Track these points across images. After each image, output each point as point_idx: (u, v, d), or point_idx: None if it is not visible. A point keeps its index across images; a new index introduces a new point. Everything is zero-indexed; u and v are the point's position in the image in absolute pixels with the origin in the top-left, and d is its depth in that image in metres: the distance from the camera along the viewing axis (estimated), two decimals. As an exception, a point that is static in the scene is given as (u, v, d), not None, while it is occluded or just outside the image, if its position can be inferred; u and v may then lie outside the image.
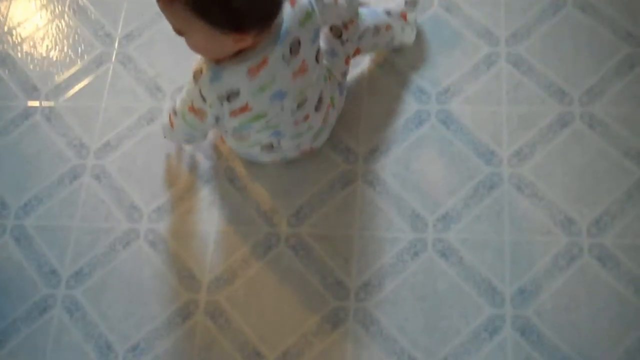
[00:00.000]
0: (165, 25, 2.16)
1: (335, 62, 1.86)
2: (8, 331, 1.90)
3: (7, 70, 2.24)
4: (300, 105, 1.74)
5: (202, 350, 1.82)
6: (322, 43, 1.81)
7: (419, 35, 2.07)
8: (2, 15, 2.34)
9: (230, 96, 1.59)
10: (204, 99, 1.61)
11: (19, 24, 2.32)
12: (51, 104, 2.17)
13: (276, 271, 1.87)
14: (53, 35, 2.28)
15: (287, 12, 1.56)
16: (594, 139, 1.90)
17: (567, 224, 1.82)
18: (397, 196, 1.91)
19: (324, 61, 1.81)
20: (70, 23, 2.29)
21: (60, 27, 2.29)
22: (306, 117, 1.79)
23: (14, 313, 1.91)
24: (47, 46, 2.26)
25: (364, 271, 1.84)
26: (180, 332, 1.84)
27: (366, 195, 1.92)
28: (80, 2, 2.32)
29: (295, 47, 1.59)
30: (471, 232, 1.84)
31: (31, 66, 2.24)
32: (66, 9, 2.32)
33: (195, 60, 1.58)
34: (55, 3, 2.33)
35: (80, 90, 2.18)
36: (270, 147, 1.85)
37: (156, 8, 2.17)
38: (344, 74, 1.92)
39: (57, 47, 2.26)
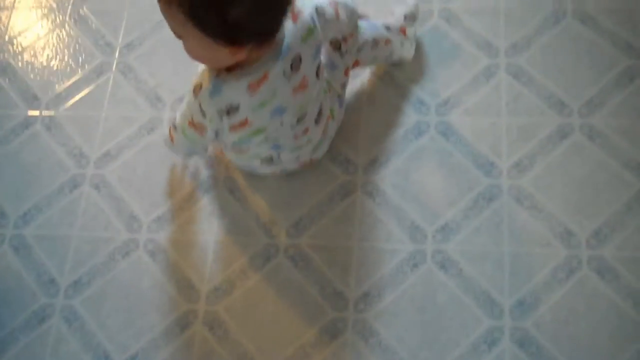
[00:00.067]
0: (165, 35, 2.19)
1: (335, 75, 1.86)
2: (6, 340, 1.90)
3: (7, 80, 2.24)
4: (300, 120, 1.73)
5: (201, 361, 1.82)
6: (322, 56, 1.81)
7: (419, 46, 2.07)
8: (3, 25, 2.35)
9: (230, 111, 1.58)
10: (203, 114, 1.61)
11: (19, 33, 2.32)
12: (51, 113, 2.17)
13: (275, 282, 1.87)
14: (54, 45, 2.28)
15: (289, 27, 1.55)
16: (594, 150, 1.90)
17: (567, 236, 1.82)
18: (397, 207, 1.91)
19: (324, 74, 1.81)
20: (71, 32, 2.30)
21: (61, 36, 2.29)
22: (306, 131, 1.79)
23: (13, 322, 1.91)
24: (48, 55, 2.27)
25: (363, 282, 1.84)
26: (179, 342, 1.84)
27: (365, 206, 1.92)
28: (81, 11, 2.32)
29: (296, 63, 1.59)
30: (470, 244, 1.84)
31: (32, 75, 2.24)
32: (67, 19, 2.32)
33: (196, 73, 1.57)
34: (56, 12, 2.34)
35: (81, 99, 2.18)
36: (270, 160, 1.85)
37: (157, 18, 2.22)
38: (344, 86, 1.92)
39: (58, 56, 2.26)
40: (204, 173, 2.02)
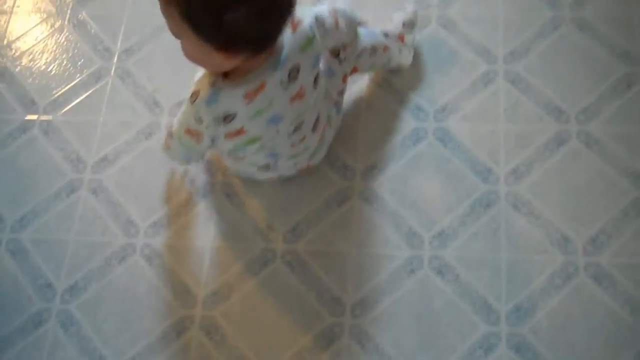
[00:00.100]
0: (164, 41, 2.20)
1: (333, 81, 1.86)
2: (2, 345, 1.89)
3: (5, 84, 2.25)
4: (297, 129, 1.73)
5: (197, 366, 1.82)
6: (320, 63, 1.80)
7: (417, 53, 2.07)
8: (2, 29, 2.35)
9: (227, 118, 1.58)
10: (200, 121, 1.60)
11: (18, 38, 2.32)
12: (49, 117, 2.17)
13: (272, 287, 1.87)
14: (52, 49, 2.28)
15: (288, 37, 1.54)
16: (591, 157, 1.90)
17: (563, 242, 1.82)
18: (394, 213, 1.91)
19: (322, 81, 1.81)
20: (70, 37, 2.30)
21: (60, 41, 2.30)
22: (303, 139, 1.79)
23: (8, 327, 1.90)
24: (46, 60, 2.27)
25: (360, 288, 1.84)
26: (175, 347, 1.84)
27: (363, 212, 1.92)
28: (80, 16, 2.33)
29: (294, 73, 1.58)
30: (468, 250, 1.84)
31: (30, 80, 2.24)
32: (66, 23, 2.32)
33: (194, 80, 1.57)
34: (55, 17, 2.34)
35: (79, 104, 2.18)
36: (267, 167, 1.85)
37: (156, 23, 2.22)
38: (341, 93, 1.92)
39: (56, 61, 2.26)
40: (201, 178, 2.02)
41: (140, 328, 1.87)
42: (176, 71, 2.15)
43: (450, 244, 1.85)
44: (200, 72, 1.58)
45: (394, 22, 2.04)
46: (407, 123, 2.01)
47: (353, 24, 1.79)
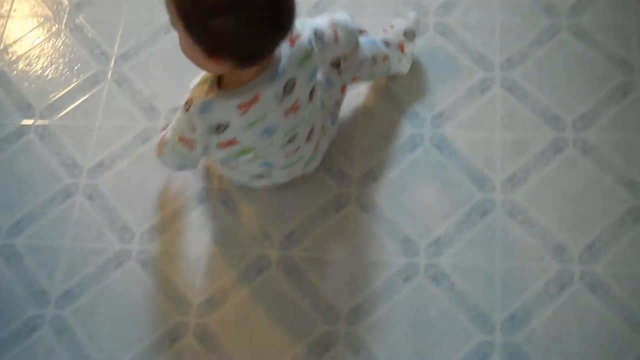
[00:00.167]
0: (161, 46, 2.20)
1: (330, 92, 1.85)
2: (-4, 351, 1.89)
3: (1, 88, 2.24)
4: (290, 140, 1.73)
5: (191, 373, 1.82)
6: (319, 74, 1.79)
7: (414, 60, 2.06)
8: (-2, 33, 2.35)
9: (219, 128, 1.58)
10: (193, 129, 1.60)
11: (14, 42, 2.32)
12: (45, 122, 2.16)
13: (267, 294, 1.86)
14: (49, 54, 2.28)
15: (286, 50, 1.53)
16: (588, 165, 1.90)
17: (559, 250, 1.81)
18: (390, 220, 1.90)
19: (318, 93, 1.79)
20: (67, 41, 2.29)
21: (56, 45, 2.29)
22: (297, 149, 1.78)
23: (2, 333, 1.90)
24: (43, 64, 2.26)
25: (355, 295, 1.83)
26: (169, 354, 1.83)
27: (359, 219, 1.92)
28: (77, 20, 2.32)
29: (289, 87, 1.57)
30: (463, 258, 1.84)
31: (26, 84, 2.24)
32: (62, 27, 2.32)
33: (189, 88, 1.57)
34: (52, 21, 2.34)
35: (75, 109, 2.18)
36: (260, 176, 1.85)
37: (153, 28, 2.22)
38: (338, 103, 1.92)
39: (53, 65, 2.26)
40: (197, 185, 2.01)
41: (135, 334, 1.86)
42: (173, 76, 2.15)
43: (446, 252, 1.85)
44: (196, 79, 1.57)
45: (395, 29, 2.03)
46: (404, 129, 2.01)
47: (353, 36, 1.78)
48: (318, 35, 1.62)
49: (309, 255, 1.89)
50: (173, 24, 1.41)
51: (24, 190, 2.08)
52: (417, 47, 2.06)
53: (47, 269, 1.96)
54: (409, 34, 2.02)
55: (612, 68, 2.00)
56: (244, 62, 1.44)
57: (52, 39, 2.31)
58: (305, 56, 1.57)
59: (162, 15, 2.23)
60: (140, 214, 2.00)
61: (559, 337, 1.73)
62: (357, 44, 1.83)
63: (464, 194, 1.91)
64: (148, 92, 2.16)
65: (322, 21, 1.68)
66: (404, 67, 2.03)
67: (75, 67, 2.24)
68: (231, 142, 1.63)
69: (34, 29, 2.34)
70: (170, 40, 2.19)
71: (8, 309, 1.92)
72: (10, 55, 2.30)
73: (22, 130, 2.16)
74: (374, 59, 1.92)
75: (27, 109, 2.20)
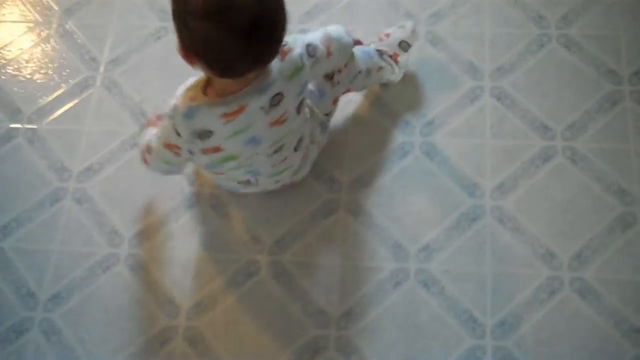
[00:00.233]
0: (151, 51, 2.19)
1: (321, 102, 1.86)
2: (-17, 354, 1.88)
3: (-10, 92, 2.24)
4: (277, 151, 1.73)
5: (180, 377, 1.81)
6: (310, 84, 1.79)
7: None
8: (-12, 37, 2.34)
9: (203, 135, 1.57)
10: (178, 134, 1.59)
11: (4, 47, 2.31)
12: (34, 126, 2.16)
13: (256, 299, 1.86)
14: (38, 58, 2.27)
15: (276, 64, 1.53)
16: (576, 173, 1.92)
17: (549, 257, 1.82)
18: (380, 226, 1.91)
19: (307, 101, 1.79)
20: (56, 47, 2.29)
21: (46, 50, 2.29)
22: (284, 159, 1.78)
23: (-10, 335, 1.89)
24: (32, 69, 2.26)
25: (346, 300, 1.83)
26: (159, 357, 1.82)
27: (349, 224, 1.92)
28: (67, 26, 2.32)
29: (276, 101, 1.57)
30: (453, 264, 1.84)
31: (15, 88, 2.23)
32: (52, 33, 2.32)
33: (175, 94, 1.56)
34: (42, 26, 2.33)
35: (64, 113, 2.17)
36: (247, 183, 1.85)
37: (143, 34, 2.22)
38: (330, 114, 1.92)
39: (42, 70, 2.25)
40: (187, 189, 2.01)
41: (124, 338, 1.85)
42: (163, 82, 2.14)
43: (436, 257, 1.85)
44: (184, 84, 1.57)
45: (390, 39, 2.04)
46: (394, 137, 2.02)
47: (347, 50, 1.79)
48: (310, 51, 1.63)
49: (299, 260, 1.89)
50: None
51: (12, 194, 2.06)
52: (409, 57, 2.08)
53: (36, 272, 1.95)
54: (404, 45, 2.03)
55: (600, 78, 2.02)
56: (214, 71, 1.44)
57: (42, 44, 2.30)
58: (295, 71, 1.58)
59: (152, 22, 2.26)
60: (129, 218, 2.00)
61: (549, 342, 1.74)
62: (351, 56, 1.84)
63: (454, 201, 1.91)
64: (138, 97, 2.16)
65: (315, 36, 1.68)
66: (396, 76, 2.04)
67: (65, 72, 2.24)
68: (215, 149, 1.63)
69: (24, 33, 2.33)
70: (160, 46, 2.19)
71: (-4, 311, 1.92)
72: (-1, 59, 2.30)
73: (11, 134, 2.15)
74: (368, 71, 1.93)
75: (16, 113, 2.19)
